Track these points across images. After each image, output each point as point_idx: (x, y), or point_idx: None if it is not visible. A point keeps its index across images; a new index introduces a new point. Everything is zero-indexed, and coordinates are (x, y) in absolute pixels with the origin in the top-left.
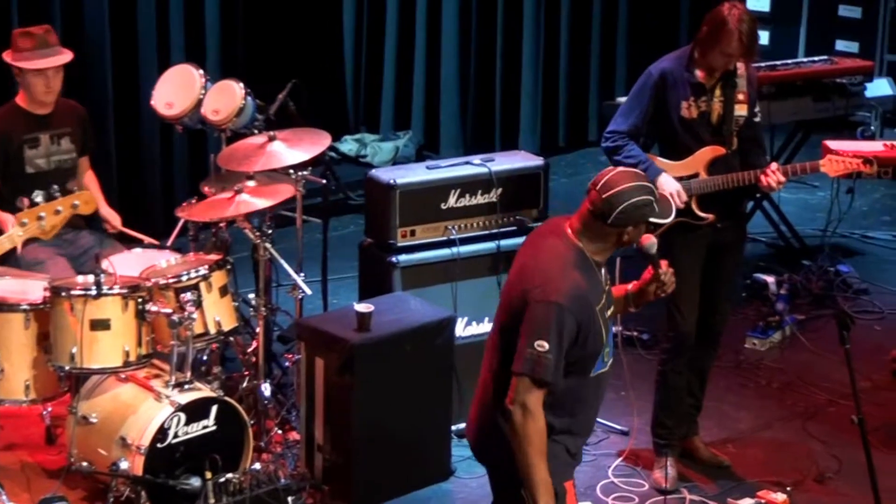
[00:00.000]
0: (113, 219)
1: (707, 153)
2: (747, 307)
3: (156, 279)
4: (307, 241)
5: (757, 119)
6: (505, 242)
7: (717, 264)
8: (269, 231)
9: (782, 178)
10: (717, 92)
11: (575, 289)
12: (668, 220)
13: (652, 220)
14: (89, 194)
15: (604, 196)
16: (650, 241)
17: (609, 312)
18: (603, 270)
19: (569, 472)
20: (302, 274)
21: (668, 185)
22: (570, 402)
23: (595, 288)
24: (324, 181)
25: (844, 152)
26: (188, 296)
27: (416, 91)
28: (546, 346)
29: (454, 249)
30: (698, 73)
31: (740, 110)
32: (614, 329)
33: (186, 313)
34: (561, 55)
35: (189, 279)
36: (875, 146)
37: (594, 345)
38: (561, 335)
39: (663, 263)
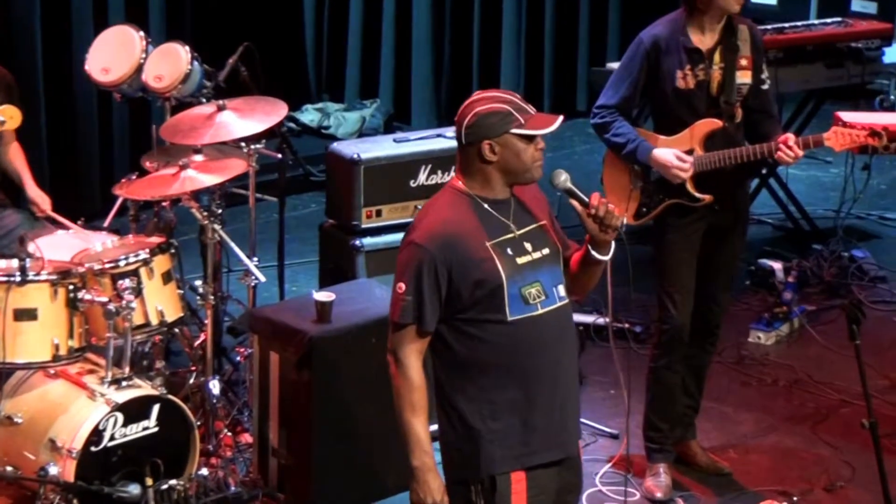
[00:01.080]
0: (42, 201)
1: (702, 126)
2: (751, 297)
3: (90, 264)
4: (261, 221)
5: (765, 87)
6: None
7: (715, 250)
8: (219, 211)
9: (800, 152)
10: (717, 58)
11: (439, 228)
12: (543, 132)
13: (515, 131)
14: (13, 109)
15: (456, 120)
16: (560, 174)
17: (531, 248)
18: (513, 205)
19: (524, 460)
20: (255, 258)
21: (664, 154)
22: (499, 361)
23: (488, 224)
24: (280, 155)
25: (854, 124)
26: (127, 283)
27: (384, 55)
28: (403, 286)
29: None
30: (694, 37)
31: (743, 77)
32: (603, 319)
33: (125, 302)
34: (546, 15)
35: (128, 264)
36: (891, 118)
37: (488, 279)
38: (420, 276)
39: (593, 197)
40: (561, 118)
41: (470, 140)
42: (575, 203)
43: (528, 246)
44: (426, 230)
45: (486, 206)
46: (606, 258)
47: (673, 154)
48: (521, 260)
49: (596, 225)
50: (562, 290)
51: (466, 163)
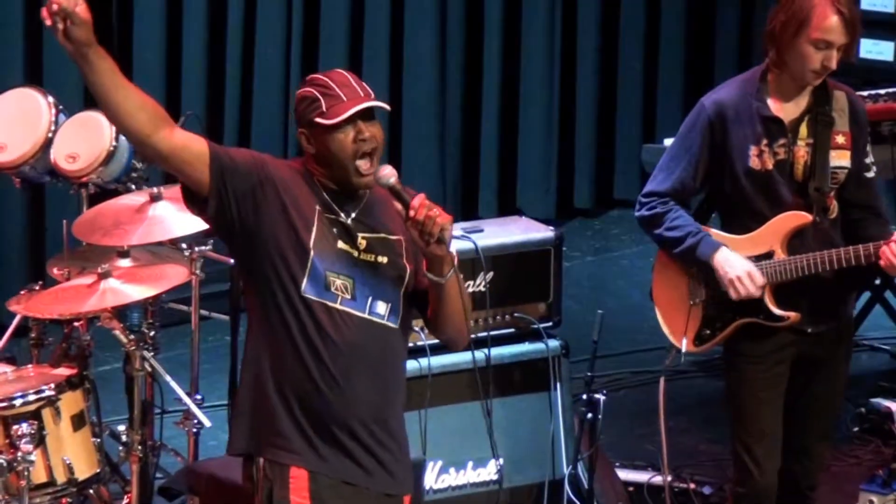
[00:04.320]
0: None
1: (786, 221)
2: (860, 448)
3: None
4: (207, 346)
5: (870, 174)
6: (497, 352)
7: (807, 387)
8: (151, 333)
9: None
10: (803, 131)
11: (281, 159)
12: (339, 118)
13: (317, 120)
14: None
15: None
16: (385, 167)
17: (364, 247)
18: (362, 205)
19: (306, 458)
20: (198, 396)
21: (733, 263)
22: (274, 334)
23: (322, 201)
24: (232, 260)
25: None
26: (24, 428)
27: None
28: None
29: (422, 362)
30: (773, 104)
31: (840, 159)
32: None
33: (20, 454)
34: (579, 80)
35: (25, 404)
36: None
37: (299, 234)
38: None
39: (417, 197)
40: (371, 103)
41: (297, 125)
42: (398, 205)
43: (361, 242)
44: (273, 158)
45: (324, 192)
46: (440, 279)
47: (744, 261)
48: (342, 245)
49: (417, 232)
50: (381, 307)
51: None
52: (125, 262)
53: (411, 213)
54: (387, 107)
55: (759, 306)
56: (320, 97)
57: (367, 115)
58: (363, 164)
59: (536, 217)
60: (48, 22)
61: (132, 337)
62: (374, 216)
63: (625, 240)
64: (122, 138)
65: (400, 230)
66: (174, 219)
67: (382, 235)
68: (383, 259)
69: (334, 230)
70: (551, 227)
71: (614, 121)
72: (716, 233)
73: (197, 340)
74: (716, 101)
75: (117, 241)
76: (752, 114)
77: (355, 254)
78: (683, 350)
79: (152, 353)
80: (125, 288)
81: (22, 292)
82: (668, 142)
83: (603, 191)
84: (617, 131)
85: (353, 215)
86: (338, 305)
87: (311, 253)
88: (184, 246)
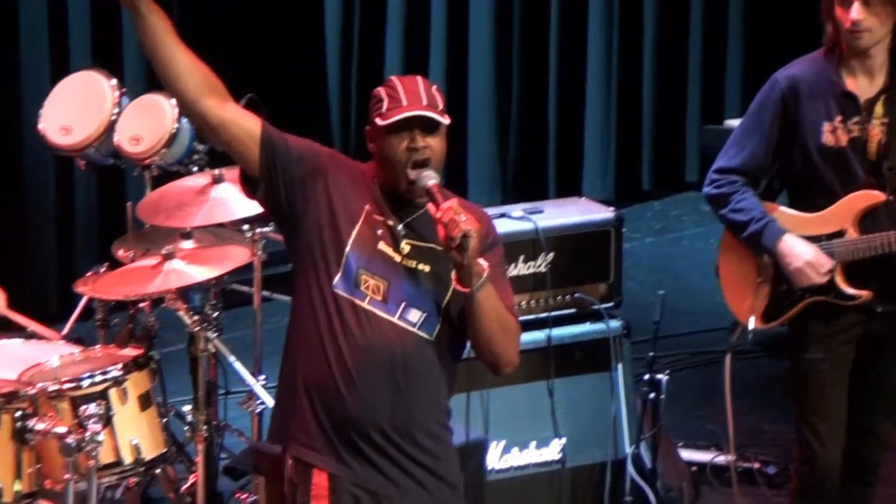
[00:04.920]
0: None
1: (857, 200)
2: None
3: (43, 384)
4: (271, 328)
5: None
6: (558, 332)
7: (873, 367)
8: (215, 314)
9: None
10: (879, 110)
11: (345, 157)
12: (390, 120)
13: (376, 120)
14: None
15: None
16: (425, 171)
17: (408, 253)
18: (415, 216)
19: (327, 460)
20: (262, 377)
21: (797, 252)
22: (305, 326)
23: (374, 201)
24: None
25: None
26: (91, 408)
27: None
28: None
29: None
30: (848, 80)
31: None
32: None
33: (89, 434)
34: (645, 61)
35: (93, 384)
36: None
37: (340, 228)
38: (285, 137)
39: (447, 201)
40: (423, 112)
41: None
42: (431, 207)
43: (404, 247)
44: (333, 152)
45: (381, 194)
46: (465, 290)
47: (808, 257)
48: (382, 247)
49: (442, 236)
50: (414, 314)
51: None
52: (188, 244)
53: (438, 214)
54: (444, 120)
55: (830, 285)
56: (385, 97)
57: (429, 127)
58: (413, 173)
59: (598, 200)
60: None
61: (196, 318)
62: (428, 225)
63: (685, 221)
64: (184, 120)
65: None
66: (236, 200)
67: (431, 245)
68: (425, 268)
69: (378, 231)
70: (611, 208)
71: (676, 103)
72: (785, 211)
73: (260, 321)
74: (790, 77)
75: (180, 223)
76: (827, 89)
77: (396, 258)
78: (751, 328)
79: (216, 334)
80: (188, 269)
81: (88, 274)
82: (730, 122)
83: (664, 172)
84: (678, 113)
85: (406, 221)
86: (365, 304)
87: (347, 248)
88: (245, 227)
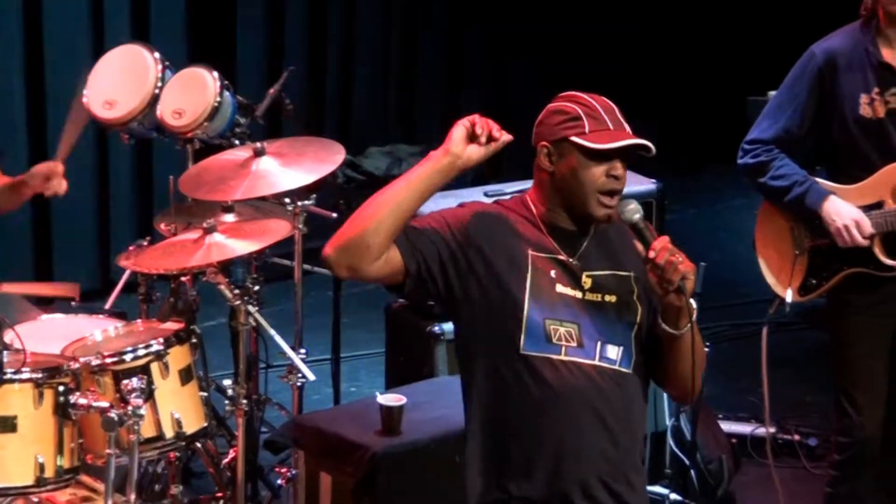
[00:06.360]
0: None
1: (895, 171)
2: None
3: (86, 358)
4: (311, 301)
5: None
6: None
7: None
8: (256, 288)
9: None
10: None
11: (483, 205)
12: (602, 146)
13: (574, 138)
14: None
15: None
16: (629, 202)
17: (590, 286)
18: (584, 243)
19: None
20: (302, 350)
21: (841, 211)
22: (497, 401)
23: (537, 238)
24: (335, 215)
25: None
26: (134, 383)
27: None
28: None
29: None
30: (885, 52)
31: None
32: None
33: (131, 408)
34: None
35: (135, 358)
36: None
37: (509, 287)
38: (422, 243)
39: (660, 239)
40: (635, 140)
41: (534, 141)
42: (637, 244)
43: (585, 281)
44: (477, 204)
45: (543, 229)
46: (674, 332)
47: (853, 209)
48: (561, 289)
49: (656, 277)
50: (612, 351)
51: (536, 179)
52: (229, 217)
53: (651, 254)
54: (652, 148)
55: (869, 256)
56: (584, 117)
57: (627, 155)
58: (606, 199)
59: (640, 172)
60: None
61: (237, 291)
62: (602, 251)
63: (728, 193)
64: (227, 94)
65: (632, 265)
66: (277, 173)
67: (611, 271)
68: (611, 298)
69: (552, 273)
70: (654, 180)
71: (717, 74)
72: (823, 182)
73: (300, 295)
74: (826, 49)
75: (222, 196)
76: (864, 61)
77: (579, 295)
78: (789, 300)
79: (257, 308)
80: (230, 243)
81: (130, 248)
82: (772, 94)
83: (706, 144)
84: (720, 84)
85: (579, 252)
86: (563, 357)
87: (526, 305)
88: (287, 200)
